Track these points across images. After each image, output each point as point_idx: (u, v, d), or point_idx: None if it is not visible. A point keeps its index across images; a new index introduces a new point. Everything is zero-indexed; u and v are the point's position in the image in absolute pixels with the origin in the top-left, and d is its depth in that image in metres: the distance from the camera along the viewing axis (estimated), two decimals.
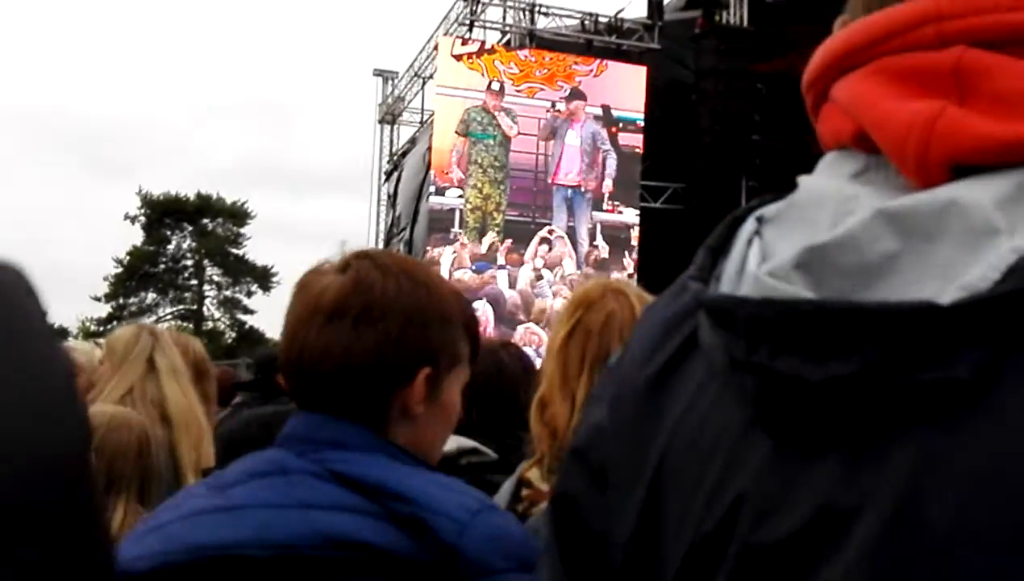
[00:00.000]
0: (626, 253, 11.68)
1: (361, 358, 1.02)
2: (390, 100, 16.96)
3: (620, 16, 12.11)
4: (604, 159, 11.62)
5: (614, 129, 11.66)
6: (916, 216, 0.47)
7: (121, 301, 30.42)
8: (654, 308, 0.66)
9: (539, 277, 11.35)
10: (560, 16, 12.12)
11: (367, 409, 1.04)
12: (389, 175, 16.74)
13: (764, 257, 0.54)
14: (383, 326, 1.03)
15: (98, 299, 30.29)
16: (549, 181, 11.52)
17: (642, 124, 11.67)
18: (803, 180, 0.57)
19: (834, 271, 0.49)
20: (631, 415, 0.61)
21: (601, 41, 11.91)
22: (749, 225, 0.57)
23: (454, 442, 1.93)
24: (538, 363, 2.67)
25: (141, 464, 2.03)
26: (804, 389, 0.48)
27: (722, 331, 0.52)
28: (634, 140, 11.73)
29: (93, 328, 28.86)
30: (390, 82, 17.04)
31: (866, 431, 0.47)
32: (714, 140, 11.57)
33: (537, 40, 11.72)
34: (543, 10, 11.93)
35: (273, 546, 0.94)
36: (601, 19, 12.04)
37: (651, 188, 11.96)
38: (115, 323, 27.82)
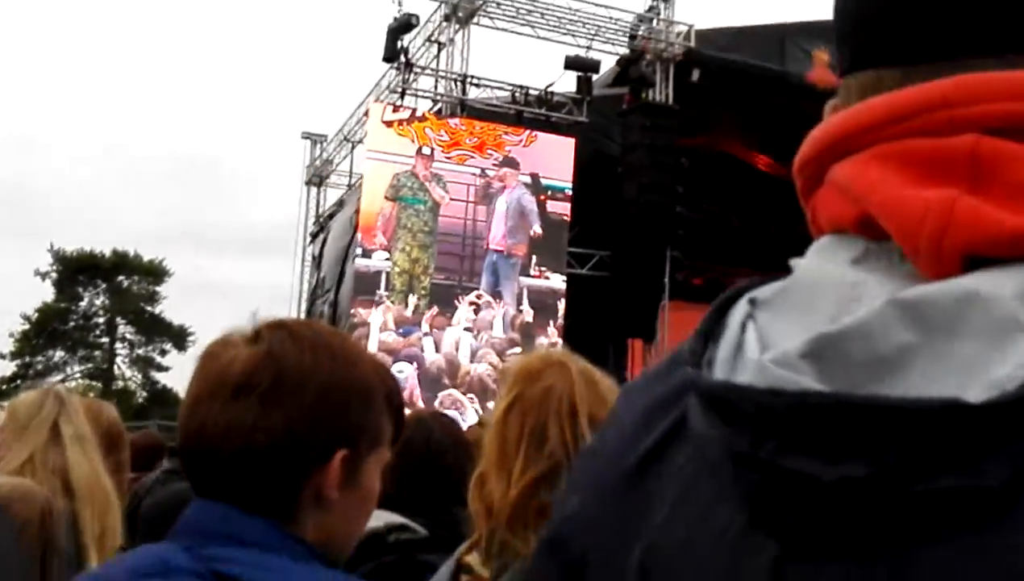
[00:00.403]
0: (551, 320, 11.73)
1: (269, 438, 0.92)
2: (318, 162, 16.90)
3: (550, 89, 12.38)
4: (530, 224, 11.74)
5: (543, 197, 11.82)
6: (934, 307, 0.45)
7: (27, 359, 29.17)
8: (636, 389, 0.62)
9: (458, 345, 11.28)
10: (491, 87, 12.33)
11: (274, 496, 0.93)
12: (315, 237, 16.58)
13: (763, 344, 0.50)
14: (296, 402, 0.93)
15: (3, 357, 28.99)
16: (483, 246, 11.57)
17: (570, 193, 11.87)
18: (798, 263, 0.54)
19: (845, 362, 0.45)
20: (612, 506, 0.57)
21: (531, 112, 12.15)
22: (741, 308, 0.54)
23: (382, 518, 1.85)
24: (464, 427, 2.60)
25: (43, 538, 1.89)
26: (814, 490, 0.44)
27: (720, 422, 0.48)
28: (562, 208, 11.90)
29: None
30: (319, 145, 17.00)
31: (881, 538, 0.43)
32: (639, 210, 11.83)
33: (468, 110, 11.88)
34: (474, 81, 12.13)
35: None
36: (531, 92, 12.29)
37: (578, 255, 12.12)
38: (20, 382, 26.62)
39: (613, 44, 12.59)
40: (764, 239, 16.71)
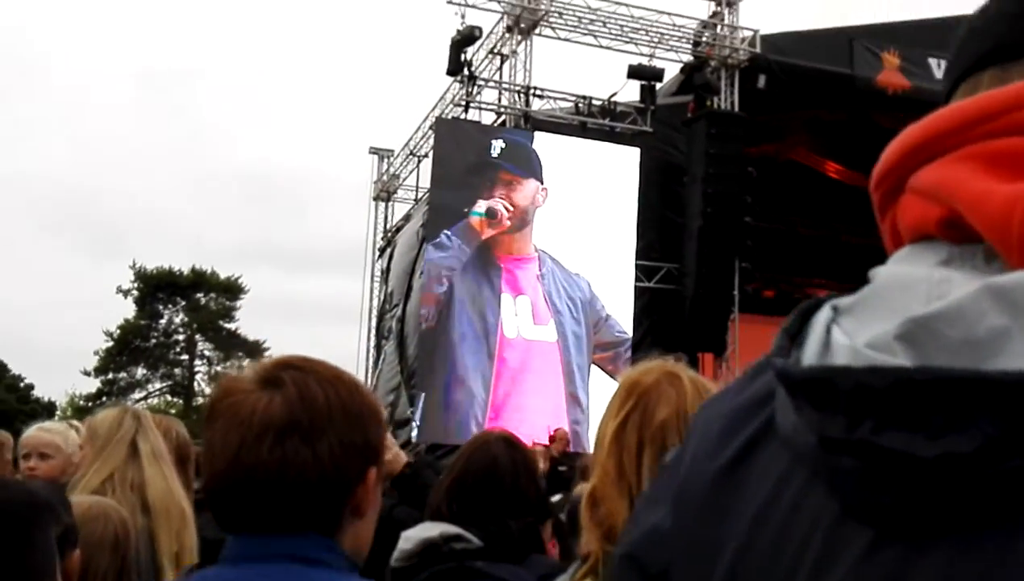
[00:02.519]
0: None
1: (319, 470, 1.03)
2: (385, 177, 17.15)
3: (613, 99, 12.35)
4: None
5: None
6: None
7: (111, 376, 30.19)
8: (719, 399, 0.62)
9: None
10: (555, 98, 12.36)
11: (325, 518, 1.04)
12: (383, 251, 16.81)
13: (852, 338, 0.50)
14: (334, 435, 1.04)
15: (88, 374, 30.07)
16: None
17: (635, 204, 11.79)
18: (880, 271, 0.54)
19: (940, 345, 0.45)
20: (698, 514, 0.57)
21: (595, 123, 12.13)
22: (824, 314, 0.54)
23: (437, 529, 1.89)
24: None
25: (118, 556, 1.95)
26: (914, 468, 0.43)
27: (813, 409, 0.48)
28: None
29: (82, 403, 28.56)
30: (385, 160, 17.26)
31: (985, 516, 0.42)
32: (706, 222, 11.68)
33: (532, 121, 11.92)
34: (538, 92, 12.17)
35: None
36: (595, 102, 12.27)
37: (645, 267, 12.02)
38: (104, 399, 27.56)
39: (677, 52, 12.50)
40: (836, 249, 16.34)
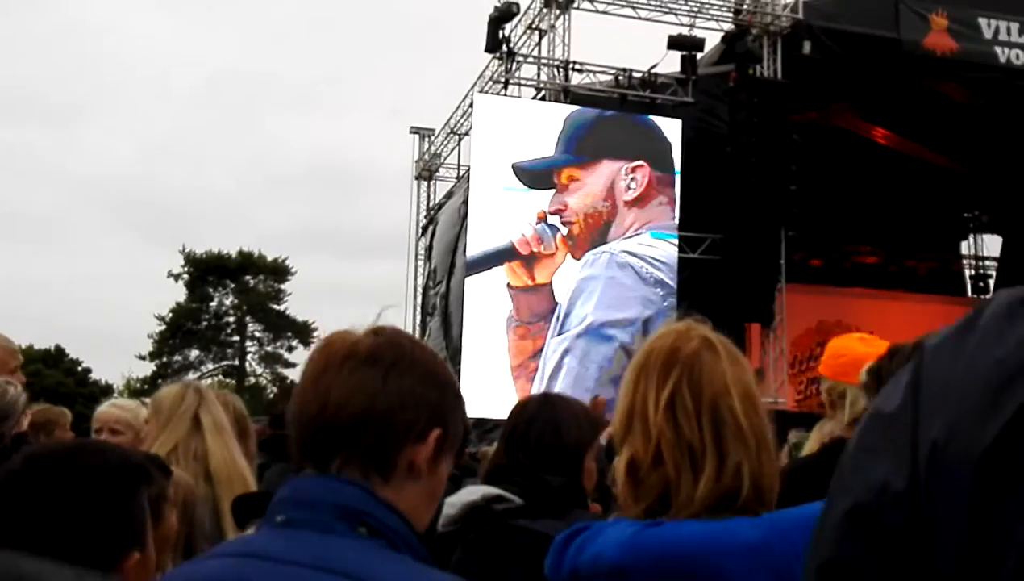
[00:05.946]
0: None
1: (386, 403, 1.05)
2: (427, 156, 17.23)
3: (654, 71, 12.24)
4: None
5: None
6: None
7: (165, 359, 30.85)
8: (965, 343, 0.53)
9: None
10: (594, 72, 12.28)
11: (379, 457, 1.05)
12: (425, 229, 16.92)
13: None
14: (409, 380, 1.08)
15: (143, 358, 30.78)
16: None
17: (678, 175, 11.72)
18: None
19: None
20: (966, 493, 0.50)
21: (635, 95, 12.04)
22: None
23: (479, 492, 1.98)
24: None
25: (186, 521, 2.03)
26: None
27: None
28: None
29: (138, 386, 29.27)
30: (427, 139, 17.33)
31: None
32: (750, 191, 11.56)
33: (571, 96, 11.87)
34: (577, 66, 12.11)
35: None
36: (635, 74, 12.18)
37: (688, 238, 11.95)
38: (160, 381, 28.19)
39: (717, 20, 12.34)
40: (884, 216, 16.02)
